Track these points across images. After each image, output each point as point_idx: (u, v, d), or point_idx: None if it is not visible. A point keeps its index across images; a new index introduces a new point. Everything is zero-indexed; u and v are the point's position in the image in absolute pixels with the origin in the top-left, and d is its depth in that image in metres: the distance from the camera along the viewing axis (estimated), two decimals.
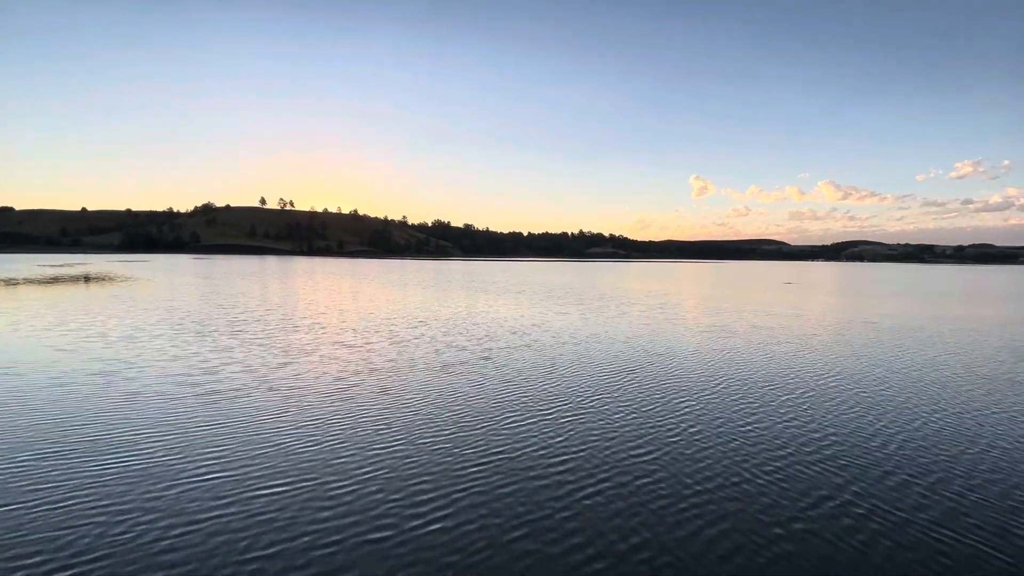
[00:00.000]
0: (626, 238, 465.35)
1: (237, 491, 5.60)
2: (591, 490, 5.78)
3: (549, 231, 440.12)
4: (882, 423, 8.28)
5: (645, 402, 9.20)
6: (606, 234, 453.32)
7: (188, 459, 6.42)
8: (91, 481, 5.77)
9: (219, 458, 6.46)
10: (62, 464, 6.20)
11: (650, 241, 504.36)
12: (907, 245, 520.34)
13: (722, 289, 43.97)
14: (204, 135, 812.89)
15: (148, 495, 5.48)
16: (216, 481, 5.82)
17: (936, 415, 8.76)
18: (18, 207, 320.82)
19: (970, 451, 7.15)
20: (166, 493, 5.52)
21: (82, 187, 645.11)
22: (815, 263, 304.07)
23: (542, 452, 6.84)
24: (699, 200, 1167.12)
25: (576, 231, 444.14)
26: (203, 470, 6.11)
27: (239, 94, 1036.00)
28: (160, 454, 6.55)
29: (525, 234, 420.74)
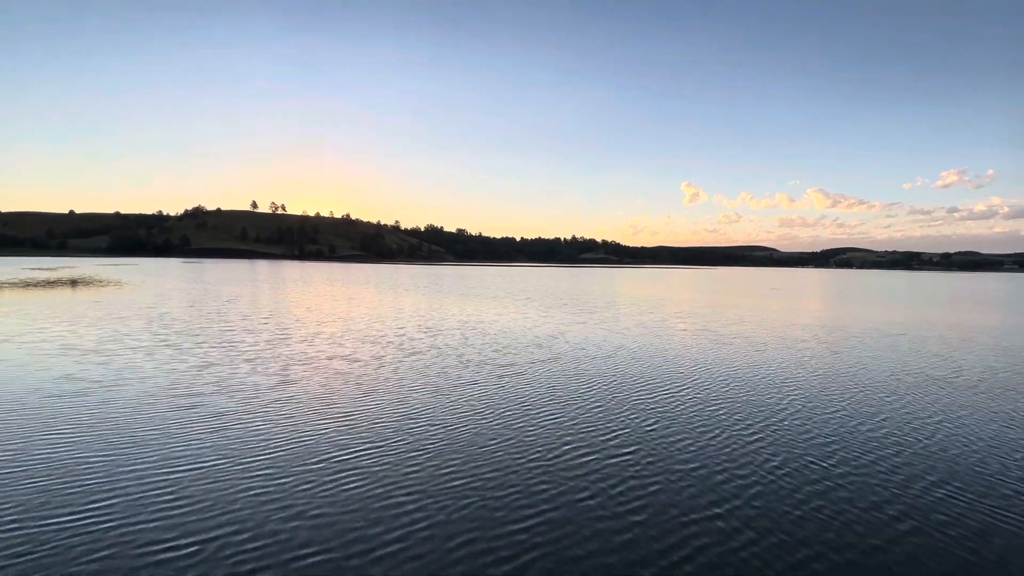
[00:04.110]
0: (618, 244, 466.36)
1: (225, 549, 4.24)
2: (671, 545, 4.50)
3: (542, 236, 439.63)
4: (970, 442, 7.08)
5: (708, 428, 7.90)
6: (599, 240, 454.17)
7: (163, 500, 5.04)
8: (34, 529, 4.39)
9: (201, 502, 5.09)
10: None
11: (642, 247, 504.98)
12: (895, 252, 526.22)
13: (730, 296, 42.94)
14: (196, 138, 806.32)
15: (105, 550, 4.10)
16: (196, 542, 4.45)
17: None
18: (3, 209, 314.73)
19: None
20: (128, 548, 4.15)
21: (70, 189, 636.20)
22: (805, 269, 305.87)
23: (602, 496, 5.55)
24: (691, 206, 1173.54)
25: (569, 236, 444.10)
26: (181, 517, 4.74)
27: (232, 97, 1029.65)
28: (133, 488, 5.17)
29: (518, 239, 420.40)
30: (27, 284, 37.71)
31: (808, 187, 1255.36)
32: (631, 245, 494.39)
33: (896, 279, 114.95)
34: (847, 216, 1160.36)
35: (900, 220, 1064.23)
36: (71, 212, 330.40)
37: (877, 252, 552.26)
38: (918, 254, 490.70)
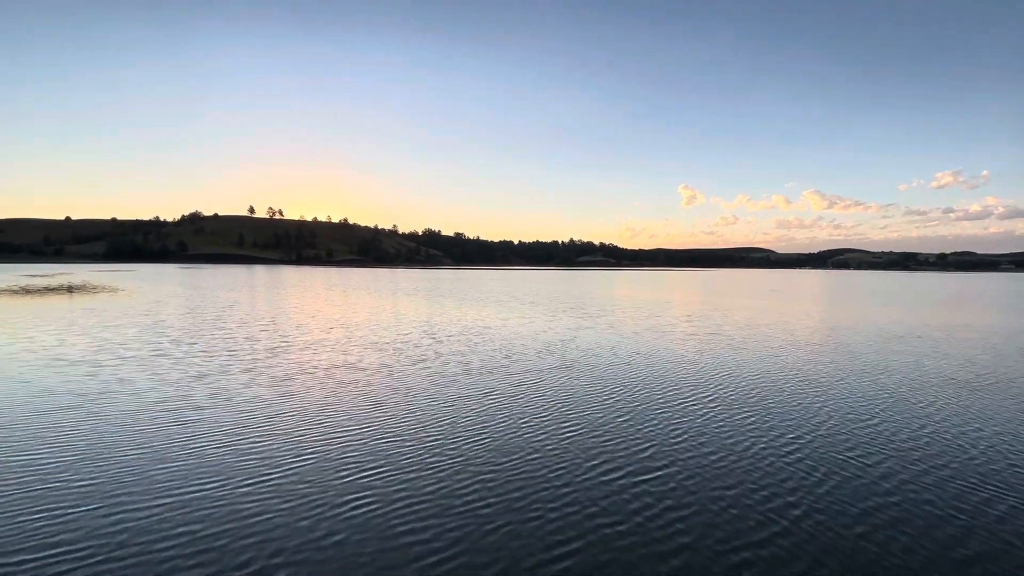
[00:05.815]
0: (616, 246, 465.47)
1: None
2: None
3: (540, 239, 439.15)
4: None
5: (739, 438, 7.45)
6: (596, 242, 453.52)
7: (154, 525, 4.57)
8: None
9: (196, 527, 4.62)
10: None
11: (640, 249, 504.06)
12: (891, 253, 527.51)
13: (732, 298, 42.56)
14: (193, 143, 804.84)
15: None
16: (190, 571, 3.98)
17: None
18: None
19: None
20: None
21: (67, 195, 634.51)
22: (803, 271, 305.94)
23: (637, 519, 5.10)
24: (688, 208, 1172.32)
25: (566, 239, 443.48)
26: (174, 544, 4.27)
27: (229, 103, 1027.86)
28: (121, 512, 4.70)
29: (516, 243, 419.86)
30: (22, 291, 37.09)
31: (804, 189, 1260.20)
32: (629, 247, 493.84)
33: (894, 280, 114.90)
34: (843, 217, 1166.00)
35: (896, 221, 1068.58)
36: (67, 218, 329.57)
37: (874, 253, 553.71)
38: (914, 255, 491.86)
